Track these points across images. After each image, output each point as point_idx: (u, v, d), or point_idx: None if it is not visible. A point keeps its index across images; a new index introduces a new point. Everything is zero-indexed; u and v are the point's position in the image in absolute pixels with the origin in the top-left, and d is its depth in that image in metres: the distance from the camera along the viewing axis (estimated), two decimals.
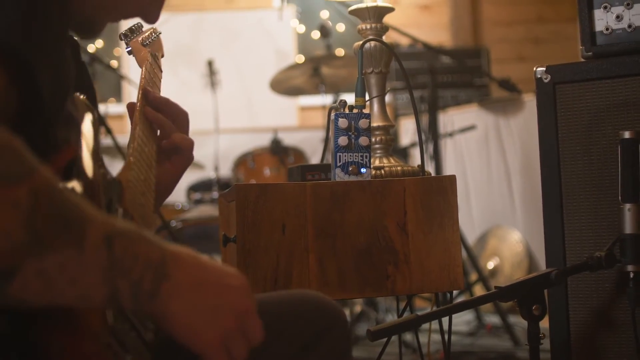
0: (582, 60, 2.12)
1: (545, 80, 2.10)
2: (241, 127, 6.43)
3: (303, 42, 6.81)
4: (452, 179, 1.89)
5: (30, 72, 0.94)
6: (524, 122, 4.93)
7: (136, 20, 1.43)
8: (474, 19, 6.96)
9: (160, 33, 1.88)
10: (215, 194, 4.94)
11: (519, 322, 3.96)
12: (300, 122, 6.72)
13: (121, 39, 1.75)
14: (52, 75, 0.98)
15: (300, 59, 6.54)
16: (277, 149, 5.06)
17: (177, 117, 1.61)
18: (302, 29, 6.79)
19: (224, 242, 1.87)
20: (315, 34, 6.18)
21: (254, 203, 1.77)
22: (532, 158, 4.80)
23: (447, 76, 5.90)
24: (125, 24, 1.62)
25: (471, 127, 4.76)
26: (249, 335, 1.04)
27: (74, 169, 0.98)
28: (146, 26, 1.83)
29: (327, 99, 5.08)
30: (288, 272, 1.77)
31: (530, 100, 4.84)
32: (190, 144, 1.60)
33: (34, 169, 0.84)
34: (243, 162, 5.10)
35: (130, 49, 1.76)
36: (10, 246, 0.81)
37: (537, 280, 1.77)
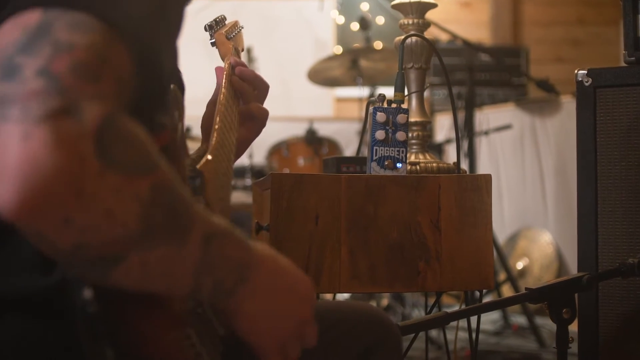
0: (624, 64, 2.10)
1: (586, 84, 2.09)
2: (277, 115, 6.41)
3: (342, 33, 6.80)
4: (487, 178, 1.88)
5: (158, 60, 0.95)
6: (560, 123, 4.89)
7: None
8: (514, 18, 6.92)
9: (242, 27, 1.90)
10: (248, 181, 4.95)
11: (545, 324, 3.95)
12: (336, 113, 6.71)
13: (206, 30, 1.76)
14: (171, 62, 1.00)
15: (339, 50, 6.53)
16: (312, 139, 5.06)
17: (258, 87, 1.68)
18: (341, 20, 6.77)
19: (256, 230, 1.87)
20: (355, 26, 6.18)
21: (288, 192, 1.78)
22: (567, 160, 4.77)
23: (485, 74, 5.87)
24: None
25: (507, 127, 4.74)
26: (305, 341, 1.10)
27: (164, 155, 1.00)
28: (229, 18, 1.85)
29: (363, 92, 5.07)
30: (319, 263, 1.78)
31: (567, 102, 4.80)
32: (266, 113, 1.66)
33: (158, 164, 0.85)
34: (277, 150, 5.11)
35: (214, 40, 1.77)
36: (125, 235, 0.82)
37: (568, 284, 1.76)
